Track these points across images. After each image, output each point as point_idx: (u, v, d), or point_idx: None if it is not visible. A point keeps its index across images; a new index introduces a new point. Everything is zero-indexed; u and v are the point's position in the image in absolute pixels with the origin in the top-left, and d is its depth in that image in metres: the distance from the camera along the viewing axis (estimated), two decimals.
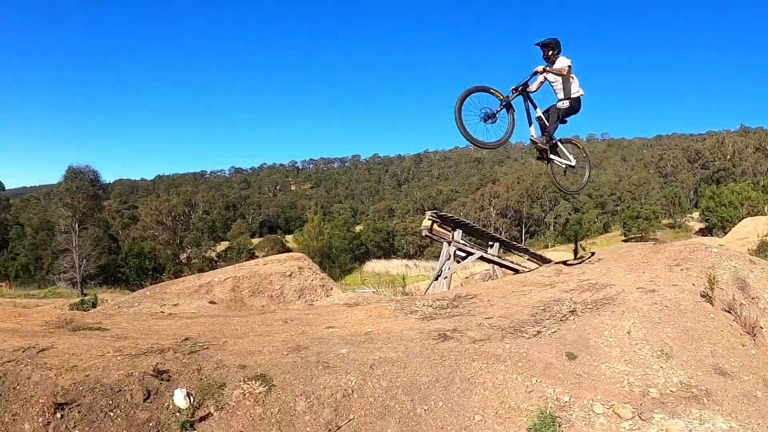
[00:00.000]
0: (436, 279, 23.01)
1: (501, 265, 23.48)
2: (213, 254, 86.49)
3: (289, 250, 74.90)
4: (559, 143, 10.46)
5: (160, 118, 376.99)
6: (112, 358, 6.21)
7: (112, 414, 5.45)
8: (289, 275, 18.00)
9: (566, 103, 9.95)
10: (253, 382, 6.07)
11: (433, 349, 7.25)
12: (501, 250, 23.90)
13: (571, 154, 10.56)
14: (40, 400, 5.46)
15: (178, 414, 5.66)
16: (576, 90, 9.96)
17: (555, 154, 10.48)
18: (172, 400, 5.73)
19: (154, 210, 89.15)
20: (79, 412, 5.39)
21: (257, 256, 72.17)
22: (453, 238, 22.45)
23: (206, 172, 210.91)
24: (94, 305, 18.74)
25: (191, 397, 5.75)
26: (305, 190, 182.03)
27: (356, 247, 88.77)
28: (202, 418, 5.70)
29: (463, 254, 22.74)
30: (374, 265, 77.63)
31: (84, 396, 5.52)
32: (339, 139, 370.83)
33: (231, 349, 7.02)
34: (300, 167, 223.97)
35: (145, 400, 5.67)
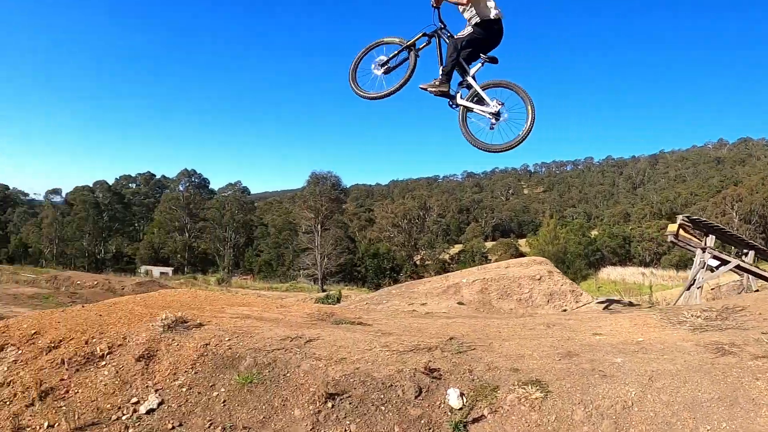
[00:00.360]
0: (689, 288, 21.52)
1: (758, 276, 21.43)
2: (446, 257, 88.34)
3: (522, 255, 74.04)
4: (477, 88, 7.85)
5: (392, 126, 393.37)
6: (380, 353, 6.34)
7: (383, 408, 5.51)
8: (539, 279, 17.64)
9: (467, 30, 7.70)
10: (529, 386, 5.79)
11: (713, 364, 6.51)
12: (757, 258, 21.97)
13: (495, 100, 7.75)
14: (311, 389, 5.70)
15: (450, 413, 5.59)
16: (485, 13, 7.55)
17: (472, 102, 7.96)
18: (445, 399, 5.68)
19: (389, 213, 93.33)
20: (350, 403, 5.51)
21: (490, 260, 72.57)
22: (705, 244, 20.91)
23: (439, 176, 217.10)
24: (338, 300, 19.87)
25: (464, 398, 5.68)
26: (538, 194, 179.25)
27: (591, 253, 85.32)
28: (476, 420, 5.57)
29: (716, 262, 20.99)
30: (609, 272, 73.65)
31: (355, 388, 5.65)
32: (571, 141, 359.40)
33: (498, 351, 6.86)
34: (532, 171, 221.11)
35: (416, 397, 5.67)
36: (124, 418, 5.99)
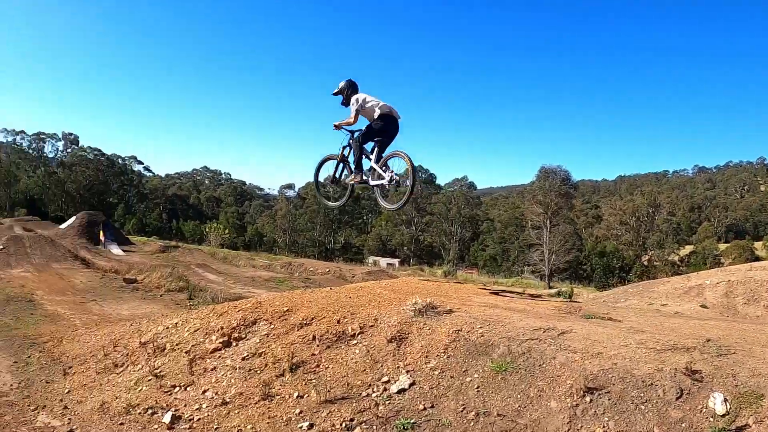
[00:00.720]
0: None
1: None
2: (676, 258, 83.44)
3: (758, 259, 68.09)
4: (375, 167, 10.38)
5: (620, 118, 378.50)
6: (637, 350, 6.19)
7: (642, 407, 5.36)
8: None
9: (363, 129, 10.35)
10: None
11: None
12: None
13: (389, 171, 10.23)
14: (567, 381, 5.64)
15: (712, 419, 5.32)
16: (372, 116, 10.14)
17: (374, 179, 10.49)
18: (707, 404, 5.45)
19: (617, 210, 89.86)
20: (608, 399, 5.38)
21: (722, 264, 67.43)
22: None
23: (668, 171, 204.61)
24: (570, 297, 19.66)
25: (728, 404, 5.45)
26: None
27: None
28: (739, 429, 5.24)
29: None
30: None
31: (613, 384, 5.50)
32: None
33: (761, 357, 6.45)
34: None
35: (677, 399, 5.50)
36: (374, 395, 6.41)
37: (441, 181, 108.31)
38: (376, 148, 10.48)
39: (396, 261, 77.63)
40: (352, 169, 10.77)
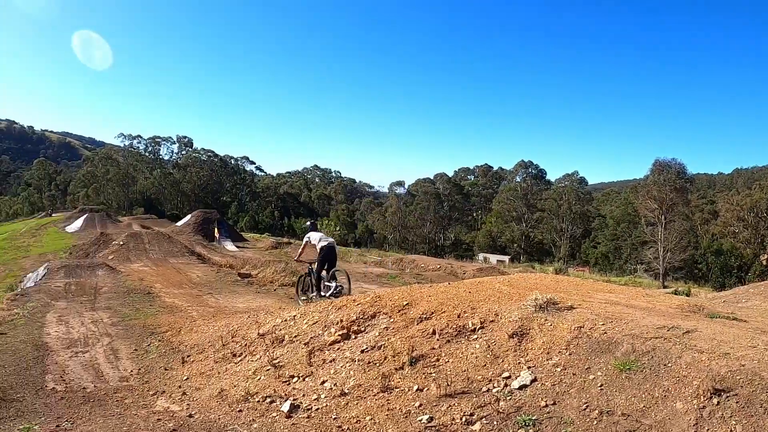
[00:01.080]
0: None
1: None
2: None
3: None
4: (327, 284, 15.18)
5: (732, 106, 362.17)
6: (765, 352, 6.00)
7: None
8: None
9: (314, 266, 15.52)
10: None
11: None
12: None
13: (335, 281, 15.15)
14: (694, 382, 5.66)
15: None
16: (317, 250, 15.28)
17: (325, 291, 15.12)
18: None
19: (734, 205, 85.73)
20: (736, 402, 5.39)
21: None
22: None
23: None
24: (687, 296, 19.30)
25: None
26: None
27: None
28: None
29: None
30: None
31: (741, 386, 5.51)
32: None
33: None
34: None
35: None
36: (494, 390, 6.61)
37: (551, 176, 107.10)
38: (325, 269, 15.21)
39: (506, 258, 77.37)
40: (313, 287, 15.61)
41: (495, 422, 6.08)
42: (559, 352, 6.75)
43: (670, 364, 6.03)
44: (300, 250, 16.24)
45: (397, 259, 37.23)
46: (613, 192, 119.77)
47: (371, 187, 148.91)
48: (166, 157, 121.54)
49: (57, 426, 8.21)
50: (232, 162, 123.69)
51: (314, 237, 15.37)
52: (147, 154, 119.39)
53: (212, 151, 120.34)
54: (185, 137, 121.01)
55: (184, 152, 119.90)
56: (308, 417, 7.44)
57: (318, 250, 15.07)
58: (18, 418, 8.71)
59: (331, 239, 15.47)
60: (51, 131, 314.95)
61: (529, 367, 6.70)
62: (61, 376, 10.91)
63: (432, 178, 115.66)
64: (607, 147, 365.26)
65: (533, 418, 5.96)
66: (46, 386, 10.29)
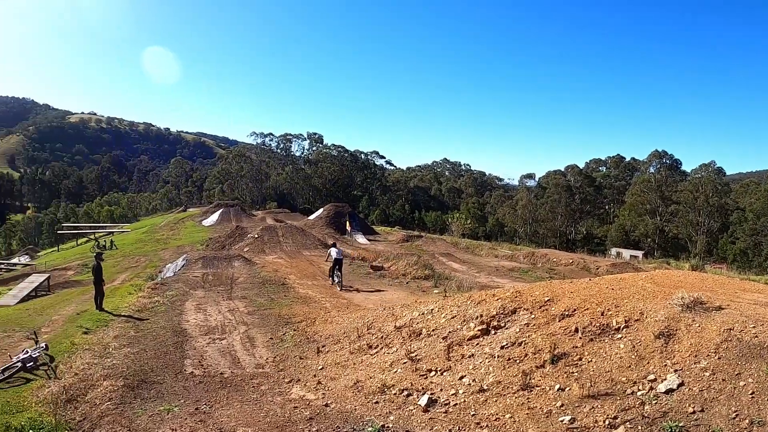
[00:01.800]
0: None
1: None
2: None
3: None
4: (336, 272, 24.30)
5: None
6: None
7: None
8: None
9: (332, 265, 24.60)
10: None
11: None
12: None
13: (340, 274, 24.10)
14: None
15: None
16: (332, 260, 24.50)
17: (337, 279, 23.96)
18: None
19: None
20: None
21: None
22: None
23: None
24: None
25: None
26: None
27: None
28: None
29: None
30: None
31: None
32: None
33: None
34: None
35: None
36: (639, 393, 6.64)
37: (687, 167, 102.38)
38: (336, 268, 24.13)
39: (640, 253, 74.97)
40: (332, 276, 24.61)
41: (639, 427, 6.15)
42: (708, 355, 6.72)
43: None
44: (326, 257, 25.86)
45: (528, 254, 36.95)
46: (753, 183, 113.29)
47: (501, 179, 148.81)
48: (298, 153, 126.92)
49: (196, 408, 8.88)
50: (362, 157, 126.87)
51: (333, 252, 24.44)
52: (279, 150, 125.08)
53: (342, 147, 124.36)
54: (315, 133, 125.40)
55: (314, 148, 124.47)
56: (446, 412, 7.69)
57: (333, 260, 24.21)
58: (158, 399, 9.52)
59: (340, 254, 24.71)
60: (186, 132, 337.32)
61: (675, 371, 6.70)
62: (200, 362, 11.75)
63: (563, 170, 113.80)
64: (747, 134, 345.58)
65: (680, 424, 5.99)
66: (185, 370, 11.13)
